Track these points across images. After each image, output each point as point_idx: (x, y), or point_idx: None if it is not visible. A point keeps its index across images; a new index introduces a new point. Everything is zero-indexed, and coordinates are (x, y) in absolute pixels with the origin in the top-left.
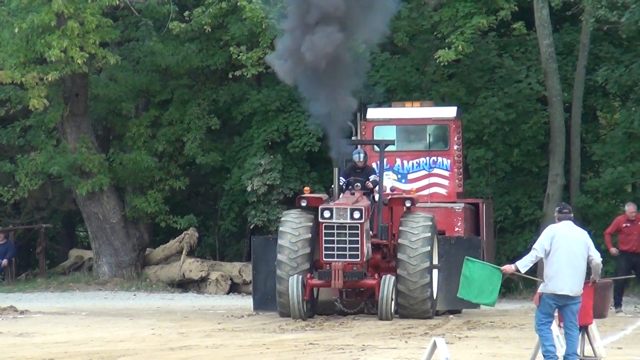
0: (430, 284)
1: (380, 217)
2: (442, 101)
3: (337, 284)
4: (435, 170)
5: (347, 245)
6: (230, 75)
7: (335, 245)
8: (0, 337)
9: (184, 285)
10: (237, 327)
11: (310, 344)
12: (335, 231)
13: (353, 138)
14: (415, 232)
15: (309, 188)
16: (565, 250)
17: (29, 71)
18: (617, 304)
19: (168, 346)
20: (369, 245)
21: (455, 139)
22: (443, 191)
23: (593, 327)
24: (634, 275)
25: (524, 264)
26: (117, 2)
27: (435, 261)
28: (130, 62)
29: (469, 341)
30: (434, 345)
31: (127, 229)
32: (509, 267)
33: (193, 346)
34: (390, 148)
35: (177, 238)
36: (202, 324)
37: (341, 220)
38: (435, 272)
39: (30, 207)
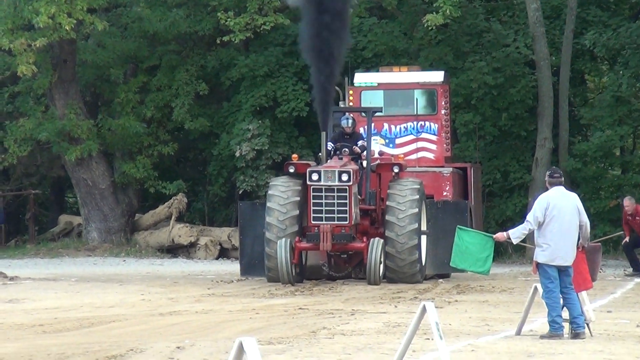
0: (418, 246)
1: (368, 183)
2: (430, 66)
3: (325, 247)
4: (423, 135)
5: (336, 208)
6: (218, 41)
7: (324, 208)
8: None
9: (173, 250)
10: (226, 292)
11: (300, 308)
12: (323, 194)
13: (340, 103)
14: (403, 194)
15: (297, 155)
16: (559, 221)
17: (17, 37)
18: (637, 268)
19: (158, 311)
20: (357, 209)
21: (443, 103)
22: (431, 156)
23: (583, 291)
24: (622, 232)
25: (516, 235)
26: None
27: (424, 227)
28: (118, 28)
29: (458, 305)
30: (424, 310)
31: (116, 194)
32: (501, 235)
33: (183, 311)
34: (378, 113)
35: (166, 203)
36: (192, 289)
37: (329, 183)
38: (423, 238)
39: (19, 174)
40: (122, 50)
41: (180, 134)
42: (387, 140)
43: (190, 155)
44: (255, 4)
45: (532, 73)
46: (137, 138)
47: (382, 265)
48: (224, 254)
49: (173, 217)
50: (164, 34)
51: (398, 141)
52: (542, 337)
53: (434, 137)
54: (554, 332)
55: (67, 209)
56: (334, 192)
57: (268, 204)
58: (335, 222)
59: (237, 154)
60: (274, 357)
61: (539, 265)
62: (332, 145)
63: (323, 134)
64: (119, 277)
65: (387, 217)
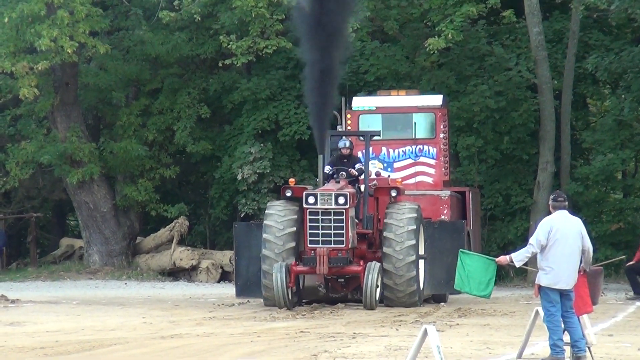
0: (416, 277)
1: (366, 207)
2: (432, 90)
3: (322, 270)
4: (422, 159)
5: (332, 232)
6: (220, 64)
7: (320, 232)
8: None
9: (174, 273)
10: (228, 315)
11: (301, 331)
12: (320, 217)
13: (338, 127)
14: (401, 224)
15: (294, 180)
16: (562, 244)
17: (19, 60)
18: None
19: (159, 335)
20: (354, 233)
21: (442, 127)
22: (429, 180)
23: (584, 315)
24: (624, 257)
25: (519, 258)
26: None
27: (422, 251)
28: (120, 51)
29: (460, 329)
30: (425, 333)
31: (117, 217)
32: (503, 259)
33: (184, 335)
34: (376, 137)
35: (167, 227)
36: (193, 313)
37: (326, 206)
38: (421, 262)
39: (20, 196)
40: (124, 74)
41: (182, 157)
42: (385, 164)
43: (192, 178)
44: (257, 28)
45: (534, 97)
46: (138, 161)
47: (378, 290)
48: (225, 277)
49: (175, 241)
50: (166, 57)
51: (396, 165)
52: None
53: (432, 161)
54: (556, 355)
55: (69, 232)
56: (331, 215)
57: (264, 235)
58: (332, 245)
59: (239, 177)
60: None
61: (540, 289)
62: (330, 168)
63: (320, 157)
64: (120, 300)
65: (385, 249)
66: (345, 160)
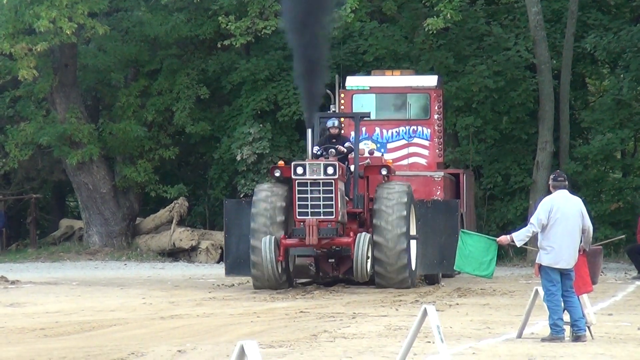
0: (407, 250)
1: (357, 187)
2: (430, 69)
3: (311, 240)
4: (415, 140)
5: (321, 203)
6: (219, 45)
7: (309, 203)
8: None
9: (174, 254)
10: (227, 295)
11: (301, 312)
12: (308, 188)
13: (331, 106)
14: (391, 197)
15: (283, 162)
16: (562, 224)
17: (18, 42)
18: None
19: (159, 315)
20: (344, 209)
21: (436, 108)
22: (423, 161)
23: (584, 294)
24: (623, 236)
25: (520, 238)
26: None
27: (413, 232)
28: (119, 32)
29: (459, 308)
30: (425, 313)
31: (117, 198)
32: (504, 238)
33: (184, 315)
34: (366, 117)
35: (167, 207)
36: (193, 293)
37: (314, 177)
38: (413, 243)
39: (20, 178)
40: (123, 55)
41: (181, 137)
42: (378, 145)
43: (191, 159)
44: (256, 8)
45: (533, 76)
46: (138, 142)
47: (369, 261)
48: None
49: (174, 221)
50: (164, 38)
51: (390, 146)
52: (543, 339)
53: (426, 142)
54: (555, 335)
55: (68, 213)
56: (320, 186)
57: (253, 210)
58: (321, 217)
59: (238, 158)
60: None
61: (541, 268)
62: (318, 148)
63: (309, 131)
64: (120, 280)
65: (375, 221)
66: (334, 141)
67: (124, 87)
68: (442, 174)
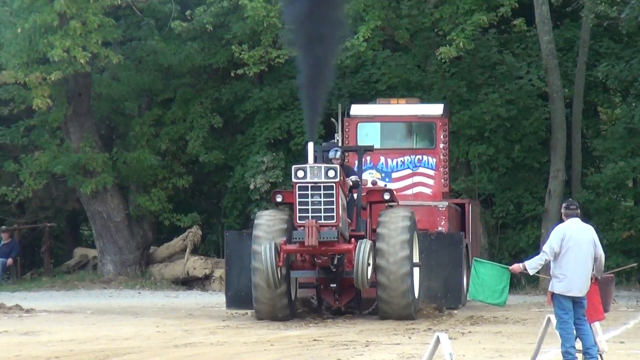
0: (411, 288)
1: (359, 215)
2: (443, 98)
3: (311, 241)
4: (420, 169)
5: (322, 207)
6: (232, 74)
7: (310, 207)
8: (6, 336)
9: (188, 282)
10: (241, 324)
11: (314, 340)
12: (309, 192)
13: (336, 135)
14: (394, 221)
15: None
16: (574, 252)
17: (32, 71)
18: None
19: (173, 343)
20: (345, 219)
21: (442, 137)
22: (428, 191)
23: (596, 322)
24: (635, 264)
25: (532, 266)
26: (119, 1)
27: (416, 259)
28: (133, 62)
29: (472, 336)
30: (437, 341)
31: (131, 227)
32: (517, 267)
33: (197, 343)
34: (374, 145)
35: (180, 236)
36: (207, 322)
37: (315, 180)
38: (416, 270)
39: (34, 207)
40: (136, 84)
41: (194, 166)
42: (383, 174)
43: (205, 187)
44: (269, 37)
45: (545, 105)
46: (151, 171)
47: (370, 268)
48: None
49: (188, 250)
50: (178, 67)
51: (394, 175)
52: None
53: (431, 172)
54: None
55: (82, 241)
56: (321, 190)
57: (254, 232)
58: (322, 221)
59: (252, 187)
60: None
61: (553, 296)
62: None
63: (310, 144)
64: (134, 309)
65: (378, 245)
66: None
67: (138, 116)
68: (446, 204)
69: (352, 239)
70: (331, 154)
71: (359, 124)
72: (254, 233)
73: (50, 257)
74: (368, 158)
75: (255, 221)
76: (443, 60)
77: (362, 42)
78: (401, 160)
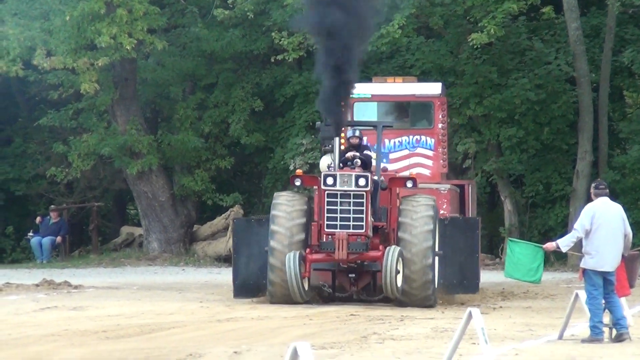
0: (432, 266)
1: (378, 199)
2: (475, 83)
3: (341, 255)
4: (418, 150)
5: (352, 215)
6: (272, 60)
7: (339, 215)
8: (55, 311)
9: (230, 259)
10: None
11: (351, 315)
12: (338, 200)
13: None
14: (417, 210)
15: (301, 170)
16: (605, 228)
17: (80, 57)
18: None
19: (216, 318)
20: (371, 221)
21: (440, 116)
22: (426, 172)
23: (622, 297)
24: None
25: (565, 244)
26: None
27: (436, 248)
28: (177, 48)
29: (503, 311)
30: (470, 315)
31: (175, 206)
32: (550, 245)
33: (239, 318)
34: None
35: (223, 215)
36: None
37: (345, 188)
38: (436, 259)
39: (82, 187)
40: (180, 69)
41: (236, 148)
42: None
43: (246, 168)
44: None
45: (573, 89)
46: (195, 152)
47: (399, 275)
48: None
49: (230, 228)
50: (220, 53)
51: (392, 156)
52: (583, 341)
53: (429, 153)
54: (595, 336)
55: (129, 220)
56: (351, 198)
57: (272, 226)
58: (351, 230)
59: (291, 168)
60: None
61: (585, 272)
62: (340, 159)
63: (336, 139)
64: (178, 285)
65: (400, 234)
66: (355, 151)
67: (182, 100)
68: (448, 186)
69: (380, 245)
70: (349, 134)
71: (355, 104)
72: (272, 213)
73: (97, 235)
74: (365, 138)
75: (274, 201)
76: (475, 47)
77: (397, 29)
78: (399, 141)
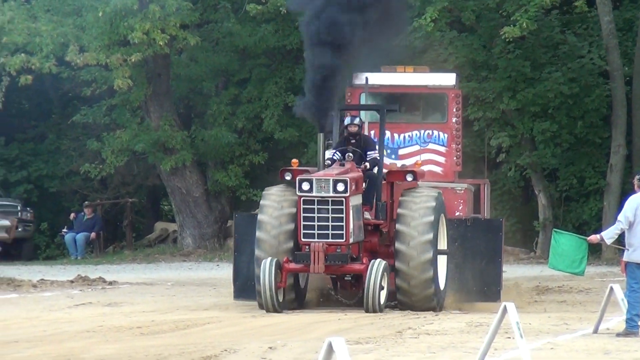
0: (434, 262)
1: (379, 194)
2: (507, 77)
3: (316, 268)
4: (430, 146)
5: (330, 224)
6: (305, 55)
7: (316, 224)
8: (90, 307)
9: None
10: None
11: (386, 309)
12: (315, 207)
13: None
14: (418, 201)
15: (297, 161)
16: None
17: (113, 53)
18: None
19: (250, 314)
20: (360, 224)
21: (454, 110)
22: (438, 169)
23: None
24: None
25: (609, 236)
26: None
27: (443, 246)
28: (210, 43)
29: (537, 305)
30: (505, 310)
31: (209, 202)
32: (594, 237)
33: (274, 313)
34: (377, 118)
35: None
36: None
37: (322, 194)
38: (443, 258)
39: (116, 183)
40: (213, 64)
41: (270, 143)
42: (388, 151)
43: (280, 163)
44: None
45: (606, 83)
46: (228, 148)
47: (383, 292)
48: None
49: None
50: (253, 49)
51: (401, 152)
52: (618, 335)
53: (442, 149)
54: (630, 329)
55: (163, 216)
56: (329, 205)
57: (259, 216)
58: (329, 240)
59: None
60: (362, 357)
61: (627, 265)
62: (335, 151)
63: (320, 135)
64: (212, 281)
65: (398, 227)
66: (353, 141)
67: (215, 96)
68: (465, 185)
69: (365, 258)
70: (347, 121)
71: (362, 94)
72: (261, 202)
73: (132, 231)
74: (372, 132)
75: (264, 192)
76: (507, 40)
77: (429, 23)
78: (409, 135)
